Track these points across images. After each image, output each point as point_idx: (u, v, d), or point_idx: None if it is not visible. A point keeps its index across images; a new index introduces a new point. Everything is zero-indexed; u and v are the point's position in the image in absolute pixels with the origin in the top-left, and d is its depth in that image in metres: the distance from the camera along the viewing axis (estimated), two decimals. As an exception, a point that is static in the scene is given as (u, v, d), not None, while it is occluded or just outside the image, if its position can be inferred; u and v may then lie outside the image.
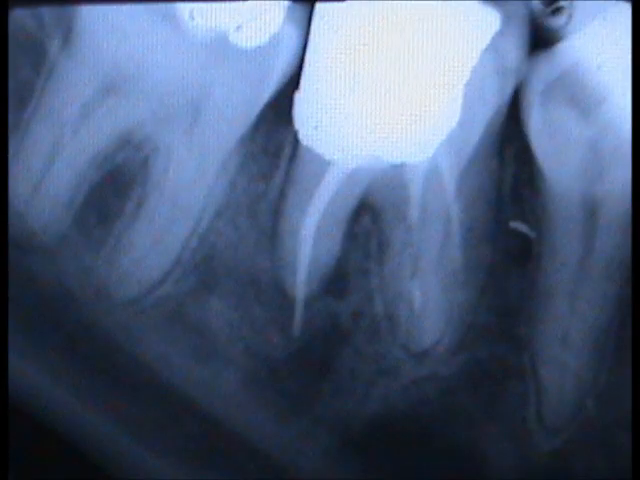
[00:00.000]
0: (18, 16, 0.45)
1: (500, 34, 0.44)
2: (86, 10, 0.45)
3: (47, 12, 0.45)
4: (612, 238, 0.45)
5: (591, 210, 0.45)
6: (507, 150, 0.46)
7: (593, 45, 0.44)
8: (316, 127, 0.45)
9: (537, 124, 0.45)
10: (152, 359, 0.47)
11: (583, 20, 0.44)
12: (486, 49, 0.44)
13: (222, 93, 0.45)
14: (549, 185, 0.45)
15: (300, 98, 0.45)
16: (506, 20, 0.44)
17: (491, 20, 0.44)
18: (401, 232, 0.46)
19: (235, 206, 0.46)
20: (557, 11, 0.44)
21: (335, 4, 0.44)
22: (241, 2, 0.44)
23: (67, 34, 0.45)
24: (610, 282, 0.45)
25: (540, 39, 0.45)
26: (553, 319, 0.46)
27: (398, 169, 0.45)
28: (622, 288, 0.45)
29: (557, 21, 0.44)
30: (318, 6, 0.44)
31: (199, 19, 0.45)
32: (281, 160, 0.46)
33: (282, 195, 0.46)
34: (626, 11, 0.43)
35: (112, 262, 0.46)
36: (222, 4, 0.44)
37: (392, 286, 0.46)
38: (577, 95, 0.44)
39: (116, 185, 0.46)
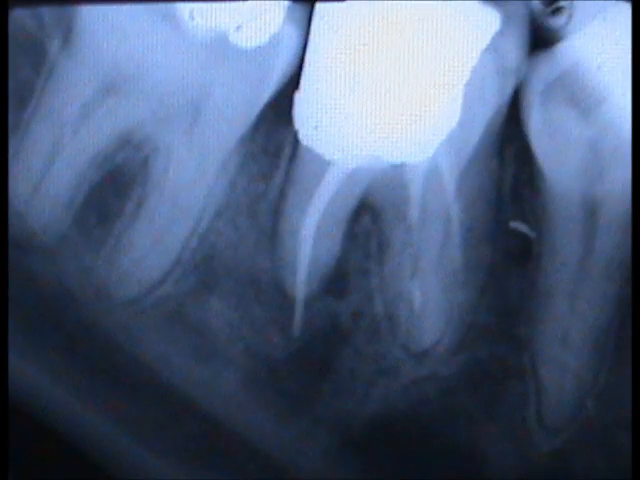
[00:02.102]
0: (18, 16, 0.45)
1: (500, 34, 0.44)
2: (86, 10, 0.45)
3: (47, 12, 0.45)
4: (612, 238, 0.45)
5: (591, 210, 0.45)
6: (507, 150, 0.46)
7: (593, 45, 0.44)
8: (316, 127, 0.45)
9: (537, 124, 0.45)
10: (152, 359, 0.47)
11: (583, 20, 0.44)
12: (486, 49, 0.44)
13: (222, 93, 0.46)
14: (549, 185, 0.45)
15: (300, 98, 0.45)
16: (506, 20, 0.44)
17: (491, 20, 0.44)
18: (401, 232, 0.46)
19: (235, 206, 0.46)
20: (557, 11, 0.44)
21: (335, 4, 0.44)
22: (241, 2, 0.44)
23: (67, 34, 0.45)
24: (610, 282, 0.45)
25: (540, 39, 0.45)
26: (553, 319, 0.46)
27: (398, 169, 0.45)
28: (622, 288, 0.45)
29: (557, 21, 0.44)
30: (318, 6, 0.44)
31: (199, 19, 0.45)
32: (281, 160, 0.46)
33: (282, 195, 0.46)
34: (626, 11, 0.43)
35: (112, 262, 0.46)
36: (222, 4, 0.44)
37: (392, 286, 0.46)
38: (577, 95, 0.44)
39: (116, 185, 0.46)
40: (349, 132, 0.45)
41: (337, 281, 0.46)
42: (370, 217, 0.46)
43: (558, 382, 0.46)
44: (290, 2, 0.45)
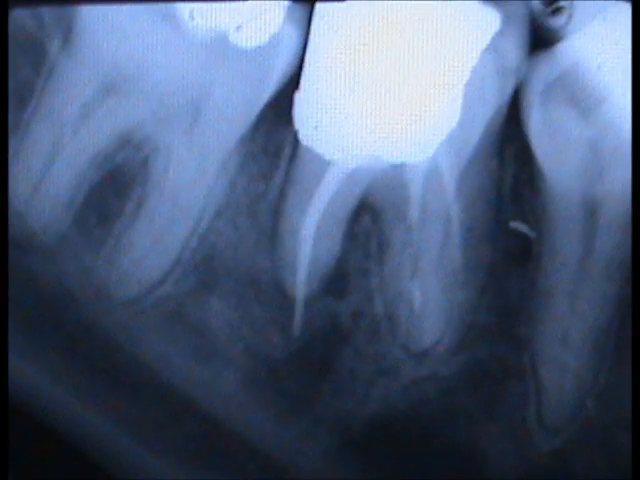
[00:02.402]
0: (18, 16, 0.45)
1: (500, 34, 0.44)
2: (86, 10, 0.45)
3: (47, 12, 0.45)
4: (612, 238, 0.45)
5: (591, 210, 0.45)
6: (507, 150, 0.46)
7: (593, 45, 0.44)
8: (316, 127, 0.45)
9: (537, 124, 0.45)
10: (152, 359, 0.47)
11: (583, 20, 0.44)
12: (486, 49, 0.44)
13: (222, 93, 0.45)
14: (549, 185, 0.45)
15: (300, 98, 0.45)
16: (506, 20, 0.44)
17: (491, 20, 0.44)
18: (401, 232, 0.46)
19: (235, 206, 0.46)
20: (557, 11, 0.44)
21: (335, 4, 0.44)
22: (241, 2, 0.44)
23: (67, 34, 0.45)
24: (610, 282, 0.45)
25: (540, 39, 0.45)
26: (553, 319, 0.46)
27: (398, 169, 0.45)
28: (622, 288, 0.45)
29: (557, 21, 0.44)
30: (318, 6, 0.44)
31: (199, 19, 0.45)
32: (281, 160, 0.46)
33: (282, 195, 0.46)
34: (626, 11, 0.43)
35: (112, 262, 0.46)
36: (222, 4, 0.44)
37: (392, 286, 0.46)
38: (577, 95, 0.44)
39: (116, 185, 0.46)
40: (349, 132, 0.45)
41: (337, 281, 0.46)
42: (370, 217, 0.46)
43: (558, 382, 0.46)
44: (290, 2, 0.45)
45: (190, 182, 0.46)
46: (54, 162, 0.46)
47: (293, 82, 0.45)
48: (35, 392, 0.47)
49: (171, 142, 0.46)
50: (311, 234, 0.46)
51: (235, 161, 0.46)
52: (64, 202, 0.46)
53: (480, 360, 0.46)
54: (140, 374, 0.47)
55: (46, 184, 0.46)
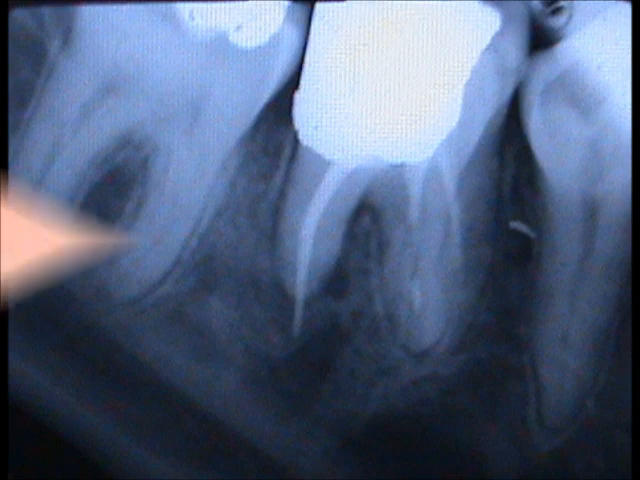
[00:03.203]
0: (18, 16, 0.45)
1: (500, 34, 0.44)
2: (86, 10, 0.45)
3: (47, 12, 0.45)
4: (612, 238, 0.45)
5: (591, 210, 0.45)
6: (507, 150, 0.46)
7: (593, 45, 0.44)
8: (316, 127, 0.45)
9: (537, 124, 0.45)
10: (152, 359, 0.47)
11: (583, 20, 0.44)
12: (486, 49, 0.44)
13: (222, 93, 0.46)
14: (549, 185, 0.45)
15: (300, 98, 0.45)
16: (506, 20, 0.44)
17: (491, 20, 0.44)
18: (401, 232, 0.46)
19: (235, 206, 0.46)
20: (557, 11, 0.44)
21: (335, 4, 0.44)
22: (241, 2, 0.44)
23: (67, 34, 0.45)
24: (610, 282, 0.45)
25: (540, 39, 0.45)
26: (553, 319, 0.46)
27: (398, 169, 0.45)
28: (622, 288, 0.45)
29: (557, 21, 0.44)
30: (318, 6, 0.44)
31: (199, 19, 0.45)
32: (281, 160, 0.46)
33: (282, 195, 0.46)
34: (626, 11, 0.43)
35: (112, 262, 0.46)
36: (222, 4, 0.44)
37: (392, 286, 0.46)
38: (577, 95, 0.44)
39: (116, 185, 0.46)
40: (349, 132, 0.45)
41: (337, 281, 0.46)
42: (370, 217, 0.46)
43: (558, 382, 0.46)
44: (290, 2, 0.45)
45: (190, 182, 0.46)
46: (54, 162, 0.46)
47: (293, 82, 0.45)
48: (35, 392, 0.47)
49: (171, 142, 0.46)
50: (311, 234, 0.46)
51: (235, 161, 0.46)
52: (64, 202, 0.46)
53: (480, 360, 0.46)
54: (140, 374, 0.47)
55: (46, 184, 0.46)
